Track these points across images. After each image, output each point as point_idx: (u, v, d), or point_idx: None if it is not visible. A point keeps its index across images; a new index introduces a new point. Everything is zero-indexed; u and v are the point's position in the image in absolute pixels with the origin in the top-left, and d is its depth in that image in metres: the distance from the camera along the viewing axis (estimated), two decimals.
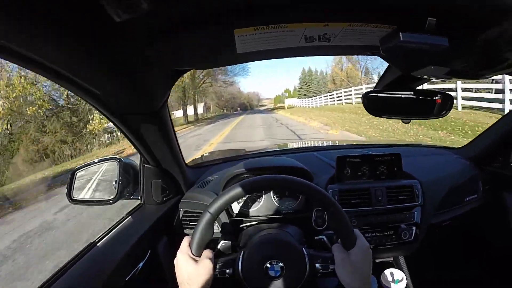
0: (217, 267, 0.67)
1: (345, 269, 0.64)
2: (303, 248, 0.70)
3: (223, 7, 0.43)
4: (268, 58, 0.63)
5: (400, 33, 0.48)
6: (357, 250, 0.65)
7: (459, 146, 1.51)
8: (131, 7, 0.36)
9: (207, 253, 0.67)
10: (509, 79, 6.90)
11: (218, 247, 0.74)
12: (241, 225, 1.07)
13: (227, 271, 0.67)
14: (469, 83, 8.89)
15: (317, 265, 0.68)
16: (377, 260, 1.21)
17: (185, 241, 0.69)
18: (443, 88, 8.12)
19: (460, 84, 8.52)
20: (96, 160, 1.09)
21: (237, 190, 0.68)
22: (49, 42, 0.41)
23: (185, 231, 1.07)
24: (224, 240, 0.76)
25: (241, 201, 1.08)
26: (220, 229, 1.03)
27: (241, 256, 0.69)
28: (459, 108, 8.29)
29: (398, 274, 1.07)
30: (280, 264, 0.67)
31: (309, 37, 0.53)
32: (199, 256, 0.66)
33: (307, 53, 0.62)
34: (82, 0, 0.35)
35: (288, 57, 0.63)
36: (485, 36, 0.48)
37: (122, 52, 0.50)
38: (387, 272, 1.08)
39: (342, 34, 0.54)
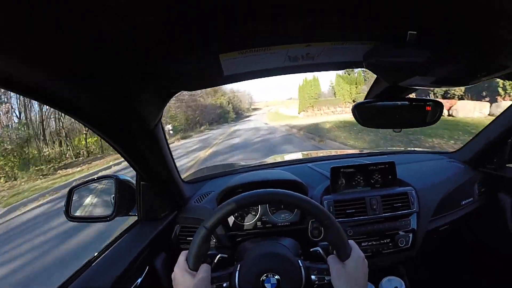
0: (214, 281, 0.68)
1: (341, 280, 0.64)
2: (299, 260, 0.71)
3: (208, 33, 0.45)
4: (255, 78, 0.65)
5: (382, 48, 0.50)
6: (352, 261, 0.65)
7: (453, 150, 1.52)
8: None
9: (204, 267, 0.67)
10: None
11: (215, 261, 0.75)
12: (238, 238, 1.07)
13: (224, 285, 0.68)
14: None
15: (313, 276, 0.68)
16: (375, 268, 1.21)
17: (182, 256, 0.70)
18: None
19: None
20: (94, 178, 1.10)
21: (233, 205, 0.69)
22: (41, 66, 0.41)
23: (182, 246, 1.08)
24: (221, 254, 0.77)
25: (237, 214, 1.08)
26: (216, 243, 1.03)
27: (237, 269, 0.70)
28: None
29: (396, 281, 1.07)
30: (276, 277, 0.68)
31: (293, 57, 0.55)
32: (196, 271, 0.66)
33: (293, 71, 0.64)
34: (77, 23, 0.36)
35: (274, 75, 0.65)
36: (470, 43, 0.50)
37: (115, 75, 0.51)
38: (385, 280, 1.08)
39: (325, 53, 0.55)
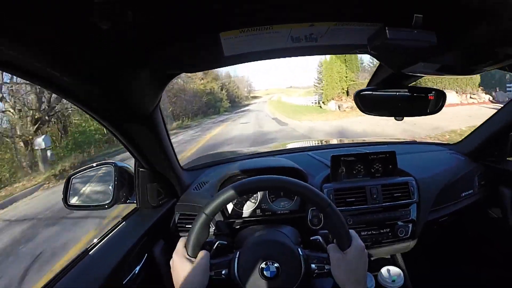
0: (213, 268, 0.67)
1: (341, 270, 0.64)
2: (299, 249, 0.71)
3: (208, 11, 0.43)
4: (256, 60, 0.63)
5: (387, 30, 0.48)
6: (353, 251, 0.65)
7: (454, 142, 1.52)
8: (117, 16, 0.36)
9: (203, 254, 0.67)
10: None
11: (214, 248, 0.74)
12: (237, 226, 1.07)
13: (223, 272, 0.68)
14: None
15: (312, 265, 0.68)
16: (374, 258, 1.21)
17: (181, 242, 0.69)
18: None
19: None
20: (92, 165, 1.09)
21: (232, 191, 0.68)
22: (38, 47, 0.40)
23: (181, 234, 1.07)
24: (220, 241, 0.76)
25: (236, 202, 1.08)
26: (215, 230, 1.03)
27: (236, 257, 0.69)
28: None
29: (395, 271, 1.07)
30: (275, 265, 0.67)
31: (296, 37, 0.53)
32: (195, 257, 0.66)
33: (295, 53, 0.62)
34: (72, 10, 0.35)
35: (277, 57, 0.63)
36: (475, 31, 0.48)
37: (112, 57, 0.50)
38: (384, 269, 1.08)
39: (329, 34, 0.54)
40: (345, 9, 0.48)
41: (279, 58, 0.63)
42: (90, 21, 0.37)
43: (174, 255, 0.68)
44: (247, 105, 38.60)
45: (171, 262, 0.68)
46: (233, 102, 36.52)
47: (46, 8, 0.34)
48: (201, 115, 24.63)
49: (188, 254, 0.66)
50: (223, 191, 0.69)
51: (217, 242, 0.76)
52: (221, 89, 32.91)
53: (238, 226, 1.07)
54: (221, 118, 21.16)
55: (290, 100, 31.95)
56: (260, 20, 0.47)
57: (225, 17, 0.45)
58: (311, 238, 0.77)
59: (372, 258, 1.16)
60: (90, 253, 0.84)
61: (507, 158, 1.32)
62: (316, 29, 0.51)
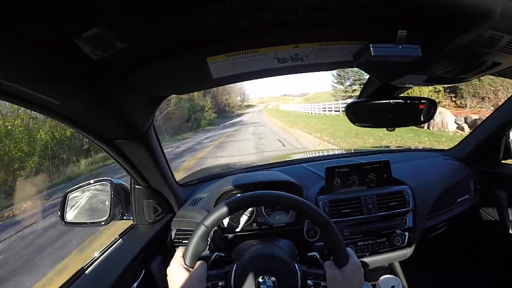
0: (210, 279, 0.68)
1: (336, 287, 0.64)
2: (296, 264, 0.71)
3: (194, 37, 0.44)
4: (246, 80, 0.64)
5: (371, 47, 0.49)
6: (349, 268, 0.66)
7: (448, 148, 1.53)
8: (106, 47, 0.37)
9: (200, 264, 0.68)
10: None
11: (211, 259, 0.75)
12: (234, 239, 1.07)
13: (220, 283, 0.68)
14: None
15: (309, 281, 0.68)
16: (372, 267, 1.21)
17: (179, 252, 0.70)
18: None
19: None
20: (90, 182, 1.09)
21: (231, 205, 0.69)
22: (29, 73, 0.41)
23: None
24: (217, 253, 0.77)
25: (232, 216, 1.08)
26: (211, 244, 1.03)
27: (233, 269, 0.70)
28: None
29: (393, 280, 1.07)
30: (272, 279, 0.68)
31: (282, 58, 0.54)
32: (192, 267, 0.67)
33: (284, 72, 0.63)
34: (59, 36, 0.36)
35: (264, 77, 0.64)
36: (459, 42, 0.49)
37: (102, 81, 0.51)
38: (383, 279, 1.08)
39: (314, 53, 0.55)
40: (328, 30, 0.49)
41: (269, 77, 0.64)
42: (77, 49, 0.37)
43: (172, 263, 0.69)
44: (240, 115, 31.33)
45: (168, 270, 0.69)
46: (222, 112, 30.52)
47: (38, 35, 0.35)
48: (168, 134, 17.56)
49: (185, 264, 0.67)
50: (222, 204, 0.70)
51: (215, 254, 0.76)
52: (204, 95, 25.90)
53: (234, 239, 1.07)
54: (191, 143, 13.99)
55: (289, 108, 27.32)
56: (244, 45, 0.47)
57: (211, 43, 0.46)
58: (308, 254, 0.78)
59: (369, 268, 1.16)
60: (86, 272, 0.84)
61: (502, 161, 1.32)
62: (301, 50, 0.52)
